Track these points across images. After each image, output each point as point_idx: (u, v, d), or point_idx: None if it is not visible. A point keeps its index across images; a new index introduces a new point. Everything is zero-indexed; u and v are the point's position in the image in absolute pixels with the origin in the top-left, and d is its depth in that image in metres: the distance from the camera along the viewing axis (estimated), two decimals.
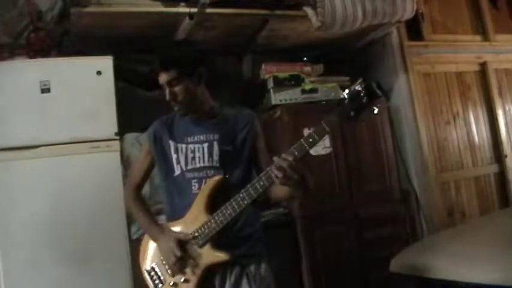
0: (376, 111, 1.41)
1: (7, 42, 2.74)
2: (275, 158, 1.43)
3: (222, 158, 1.65)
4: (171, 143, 1.71)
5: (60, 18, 2.60)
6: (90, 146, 2.36)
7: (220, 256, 1.57)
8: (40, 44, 2.68)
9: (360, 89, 1.38)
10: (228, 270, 1.61)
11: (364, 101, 1.38)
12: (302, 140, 1.43)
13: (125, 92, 2.72)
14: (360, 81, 1.40)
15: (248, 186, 1.52)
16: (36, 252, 2.21)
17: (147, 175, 1.83)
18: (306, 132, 2.77)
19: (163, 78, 1.62)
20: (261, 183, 1.50)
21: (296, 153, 1.41)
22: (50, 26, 2.69)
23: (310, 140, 1.42)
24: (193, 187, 1.64)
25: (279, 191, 1.60)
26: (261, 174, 1.51)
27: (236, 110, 1.79)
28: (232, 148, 1.68)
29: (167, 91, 1.63)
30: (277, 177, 1.42)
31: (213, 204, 1.59)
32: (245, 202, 1.52)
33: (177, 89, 1.62)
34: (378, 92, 1.38)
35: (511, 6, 4.06)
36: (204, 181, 1.63)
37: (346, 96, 1.40)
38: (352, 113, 1.39)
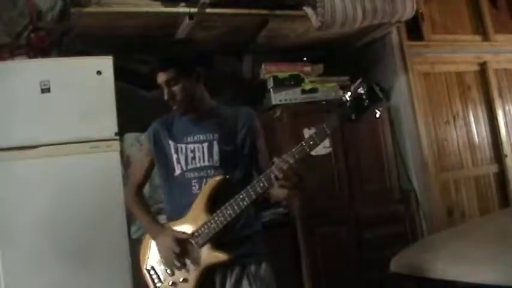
0: (378, 115, 1.41)
1: (7, 42, 2.74)
2: (275, 160, 1.43)
3: (222, 157, 1.65)
4: (171, 143, 1.71)
5: (60, 18, 2.60)
6: (90, 146, 2.35)
7: (220, 256, 1.57)
8: (40, 44, 2.68)
9: (361, 91, 1.37)
10: (229, 270, 1.61)
11: (365, 104, 1.37)
12: (303, 142, 1.43)
13: (125, 92, 2.72)
14: (359, 81, 1.39)
15: (248, 187, 1.52)
16: (36, 252, 2.21)
17: (147, 175, 1.83)
18: (306, 132, 2.77)
19: (161, 77, 1.63)
20: (261, 184, 1.49)
21: (296, 155, 1.42)
22: (50, 26, 2.68)
23: (311, 142, 1.42)
24: (193, 187, 1.64)
25: (277, 191, 1.58)
26: (261, 176, 1.50)
27: (235, 109, 1.79)
28: (233, 147, 1.68)
29: (165, 90, 1.63)
30: (276, 178, 1.42)
31: (213, 204, 1.59)
32: (245, 203, 1.52)
33: (175, 88, 1.62)
34: (380, 94, 1.37)
35: (511, 6, 4.06)
36: (204, 181, 1.63)
37: (347, 98, 1.39)
38: (353, 116, 1.39)
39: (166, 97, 1.64)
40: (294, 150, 1.43)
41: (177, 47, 1.90)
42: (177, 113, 1.69)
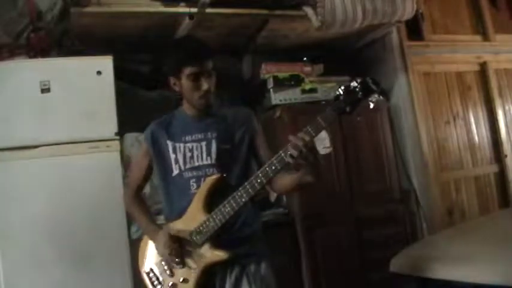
0: (372, 106, 1.42)
1: (7, 42, 2.74)
2: (291, 137, 1.42)
3: (220, 156, 1.65)
4: (169, 143, 1.70)
5: (60, 18, 2.60)
6: (90, 146, 2.36)
7: (219, 255, 1.56)
8: (40, 44, 2.68)
9: (355, 84, 1.39)
10: (228, 269, 1.60)
11: (359, 96, 1.38)
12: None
13: (125, 92, 2.72)
14: (356, 79, 1.40)
15: (245, 183, 1.52)
16: (36, 252, 2.21)
17: (147, 176, 1.81)
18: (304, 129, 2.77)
19: (209, 64, 1.61)
20: (258, 180, 1.49)
21: (307, 137, 1.39)
22: (50, 26, 2.69)
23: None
24: (191, 186, 1.64)
25: (285, 179, 1.57)
26: (258, 172, 1.50)
27: (234, 108, 1.80)
28: (231, 146, 1.67)
29: (198, 83, 1.60)
30: (292, 156, 1.41)
31: (212, 203, 1.59)
32: (243, 200, 1.52)
33: (210, 80, 1.63)
34: (373, 86, 1.39)
35: (511, 6, 4.06)
36: (202, 180, 1.63)
37: (341, 91, 1.40)
38: (347, 108, 1.40)
39: (205, 87, 1.60)
40: (305, 129, 1.42)
41: (194, 40, 1.85)
42: (201, 108, 1.67)
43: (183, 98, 1.72)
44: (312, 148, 1.41)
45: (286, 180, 1.59)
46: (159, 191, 1.80)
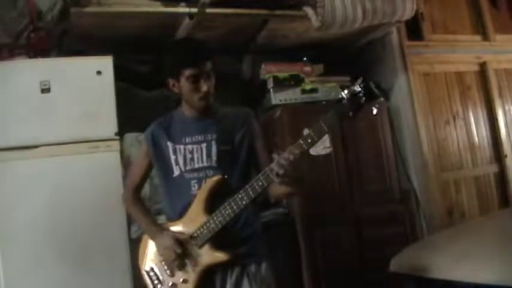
0: (374, 112, 1.43)
1: (7, 42, 2.74)
2: (275, 156, 1.42)
3: (220, 157, 1.65)
4: (169, 145, 1.70)
5: (60, 18, 2.60)
6: (90, 146, 2.36)
7: (219, 256, 1.57)
8: (40, 44, 2.68)
9: (358, 89, 1.38)
10: (229, 270, 1.61)
11: (362, 101, 1.38)
12: (301, 140, 1.43)
13: (125, 92, 2.72)
14: (359, 81, 1.40)
15: (247, 186, 1.52)
16: (36, 252, 2.21)
17: (145, 177, 1.82)
18: (306, 132, 2.78)
19: (208, 66, 1.61)
20: (260, 183, 1.49)
21: (296, 151, 1.41)
22: (50, 26, 2.69)
23: (309, 140, 1.42)
24: (193, 188, 1.64)
25: (278, 189, 1.59)
26: (260, 174, 1.50)
27: (233, 109, 1.79)
28: (231, 147, 1.67)
29: (198, 85, 1.60)
30: (277, 174, 1.41)
31: (213, 204, 1.59)
32: (243, 202, 1.52)
33: (210, 82, 1.62)
34: (376, 92, 1.39)
35: (511, 6, 4.06)
36: (203, 181, 1.63)
37: (344, 96, 1.40)
38: (350, 113, 1.40)
39: (204, 89, 1.60)
40: (291, 147, 1.43)
41: (193, 41, 1.86)
42: (201, 110, 1.67)
43: (182, 99, 1.72)
44: (295, 166, 1.42)
45: (278, 188, 1.58)
46: (160, 191, 1.80)
